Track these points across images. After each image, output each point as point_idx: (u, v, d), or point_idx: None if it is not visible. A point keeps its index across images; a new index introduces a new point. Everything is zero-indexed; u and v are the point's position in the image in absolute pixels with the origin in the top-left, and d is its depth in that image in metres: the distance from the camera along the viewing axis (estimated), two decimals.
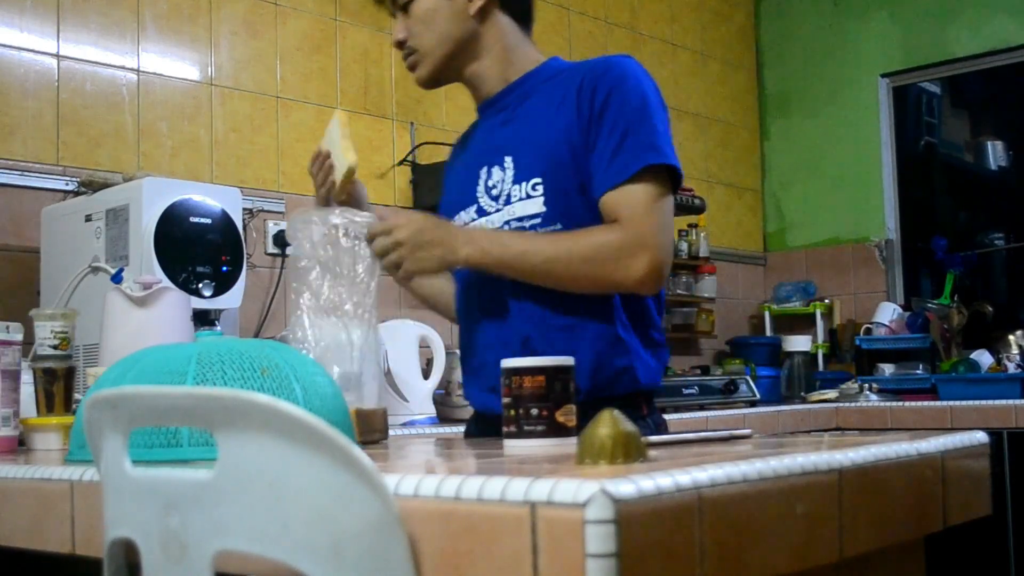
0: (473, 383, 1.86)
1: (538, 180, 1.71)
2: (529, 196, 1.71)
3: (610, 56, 1.76)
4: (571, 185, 1.69)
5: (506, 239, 1.67)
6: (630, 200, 1.64)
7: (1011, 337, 3.81)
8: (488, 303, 1.77)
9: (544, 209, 1.70)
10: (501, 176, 1.76)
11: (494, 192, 1.77)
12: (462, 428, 2.60)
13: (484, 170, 1.79)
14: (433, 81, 1.83)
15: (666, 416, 2.18)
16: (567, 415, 1.21)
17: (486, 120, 1.86)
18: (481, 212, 1.78)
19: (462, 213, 1.82)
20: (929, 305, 4.10)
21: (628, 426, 0.96)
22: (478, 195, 1.79)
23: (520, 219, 1.71)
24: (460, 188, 1.85)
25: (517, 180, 1.73)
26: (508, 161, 1.76)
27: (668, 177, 1.67)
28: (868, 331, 4.19)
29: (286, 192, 3.16)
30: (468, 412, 2.86)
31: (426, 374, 2.87)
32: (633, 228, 1.63)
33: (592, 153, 1.67)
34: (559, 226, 1.69)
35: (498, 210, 1.75)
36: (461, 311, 1.88)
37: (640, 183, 1.64)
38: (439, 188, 3.41)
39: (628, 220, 1.64)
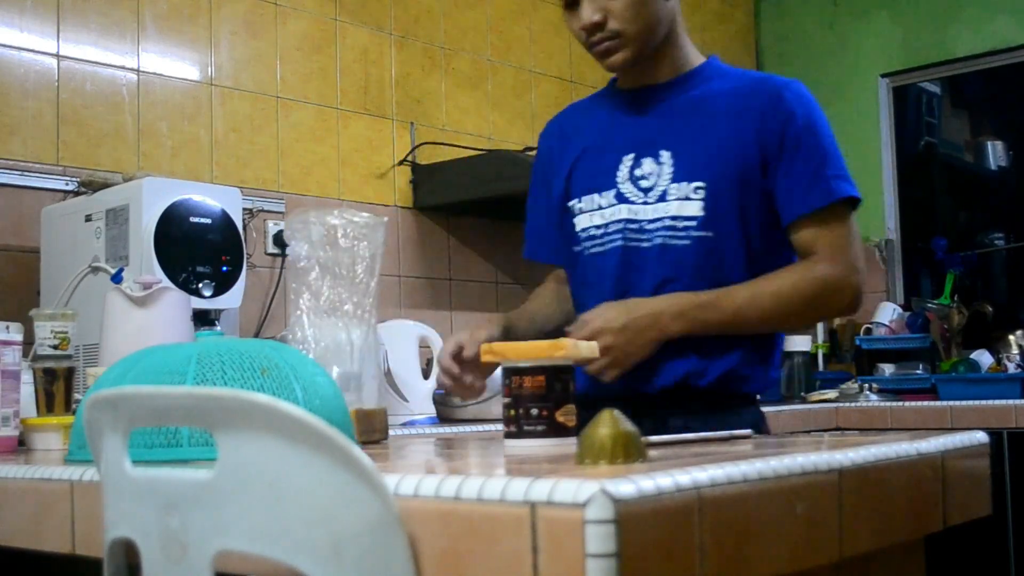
0: None
1: (701, 184, 1.71)
2: (689, 198, 1.71)
3: (790, 81, 1.80)
4: (731, 197, 1.71)
5: (713, 301, 1.68)
6: (831, 232, 1.72)
7: (1011, 337, 3.81)
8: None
9: (702, 214, 1.70)
10: (655, 169, 1.75)
11: (643, 184, 1.75)
12: (462, 428, 2.60)
13: (631, 157, 1.77)
14: (630, 66, 1.78)
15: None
16: (567, 415, 1.20)
17: (635, 105, 1.82)
18: (623, 199, 1.76)
19: (595, 196, 1.80)
20: (929, 305, 4.09)
21: (628, 426, 0.96)
22: (619, 181, 1.77)
23: (675, 218, 1.71)
24: (594, 170, 1.81)
25: (677, 179, 1.73)
26: (666, 156, 1.75)
27: (852, 209, 1.76)
28: (868, 331, 4.18)
29: (286, 192, 3.16)
30: (468, 412, 2.86)
31: (426, 374, 2.87)
32: (840, 260, 1.71)
33: (784, 178, 1.71)
34: (710, 234, 1.70)
35: (646, 203, 1.74)
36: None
37: (837, 214, 1.72)
38: (439, 188, 3.45)
39: (833, 252, 1.71)
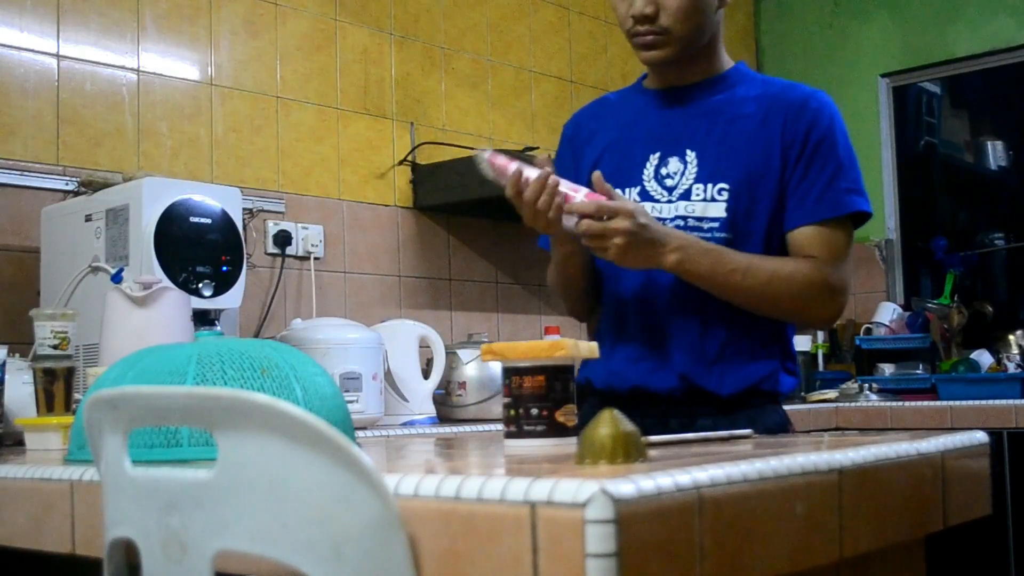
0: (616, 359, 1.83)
1: (725, 186, 1.74)
2: (713, 199, 1.74)
3: (815, 90, 1.84)
4: (752, 201, 1.74)
5: (715, 253, 1.68)
6: (830, 242, 1.74)
7: (1011, 337, 3.81)
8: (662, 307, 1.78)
9: (724, 215, 1.73)
10: (680, 168, 1.78)
11: (668, 182, 1.78)
12: (462, 428, 2.60)
13: (656, 156, 1.80)
14: (667, 64, 1.80)
15: None
16: (567, 415, 1.20)
17: (662, 104, 1.86)
18: (646, 197, 1.78)
19: (621, 192, 1.80)
20: (929, 305, 4.09)
21: (628, 426, 0.96)
22: (644, 178, 1.80)
23: (699, 219, 1.74)
24: (619, 164, 1.83)
25: (701, 179, 1.76)
26: (691, 156, 1.78)
27: (858, 225, 1.79)
28: (868, 331, 4.18)
29: (286, 192, 3.16)
30: (468, 412, 2.86)
31: (426, 374, 2.87)
32: (835, 272, 1.73)
33: (799, 183, 1.74)
34: (731, 236, 1.73)
35: (670, 201, 1.76)
36: (613, 304, 1.85)
37: (840, 227, 1.75)
38: (439, 188, 3.45)
39: (829, 262, 1.73)
